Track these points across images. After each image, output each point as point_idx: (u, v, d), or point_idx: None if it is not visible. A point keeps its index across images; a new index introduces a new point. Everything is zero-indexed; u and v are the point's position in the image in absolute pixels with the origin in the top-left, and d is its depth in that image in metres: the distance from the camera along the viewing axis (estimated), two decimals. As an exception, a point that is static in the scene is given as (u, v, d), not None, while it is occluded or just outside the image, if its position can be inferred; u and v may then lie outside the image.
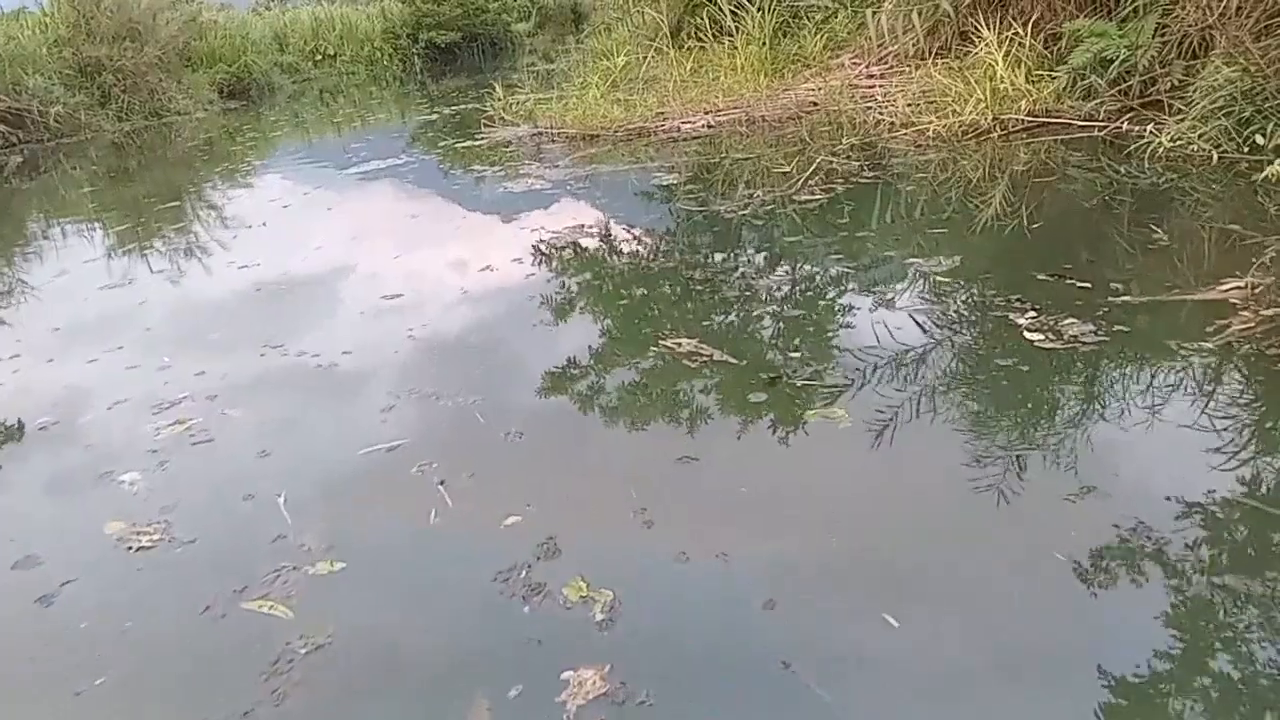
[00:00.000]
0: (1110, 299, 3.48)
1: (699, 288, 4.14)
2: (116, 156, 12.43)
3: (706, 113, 8.32)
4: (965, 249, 4.23)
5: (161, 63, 16.35)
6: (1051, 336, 3.24)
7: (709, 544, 2.28)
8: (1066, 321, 3.32)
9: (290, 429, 3.25)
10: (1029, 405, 2.89)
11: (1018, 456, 2.57)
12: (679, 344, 3.55)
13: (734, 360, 3.37)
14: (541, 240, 5.23)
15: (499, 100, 9.45)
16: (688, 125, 8.11)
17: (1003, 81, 6.44)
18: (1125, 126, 5.78)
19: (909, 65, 8.21)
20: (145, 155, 12.34)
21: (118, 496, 2.84)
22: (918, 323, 3.53)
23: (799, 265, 4.34)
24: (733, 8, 9.21)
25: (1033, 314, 3.42)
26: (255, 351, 3.94)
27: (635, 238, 5.20)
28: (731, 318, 3.83)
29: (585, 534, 2.39)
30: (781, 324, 3.69)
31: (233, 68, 17.80)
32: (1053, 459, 2.55)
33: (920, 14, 7.37)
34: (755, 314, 3.83)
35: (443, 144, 9.52)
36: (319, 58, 19.69)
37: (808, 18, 9.05)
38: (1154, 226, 4.22)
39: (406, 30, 20.49)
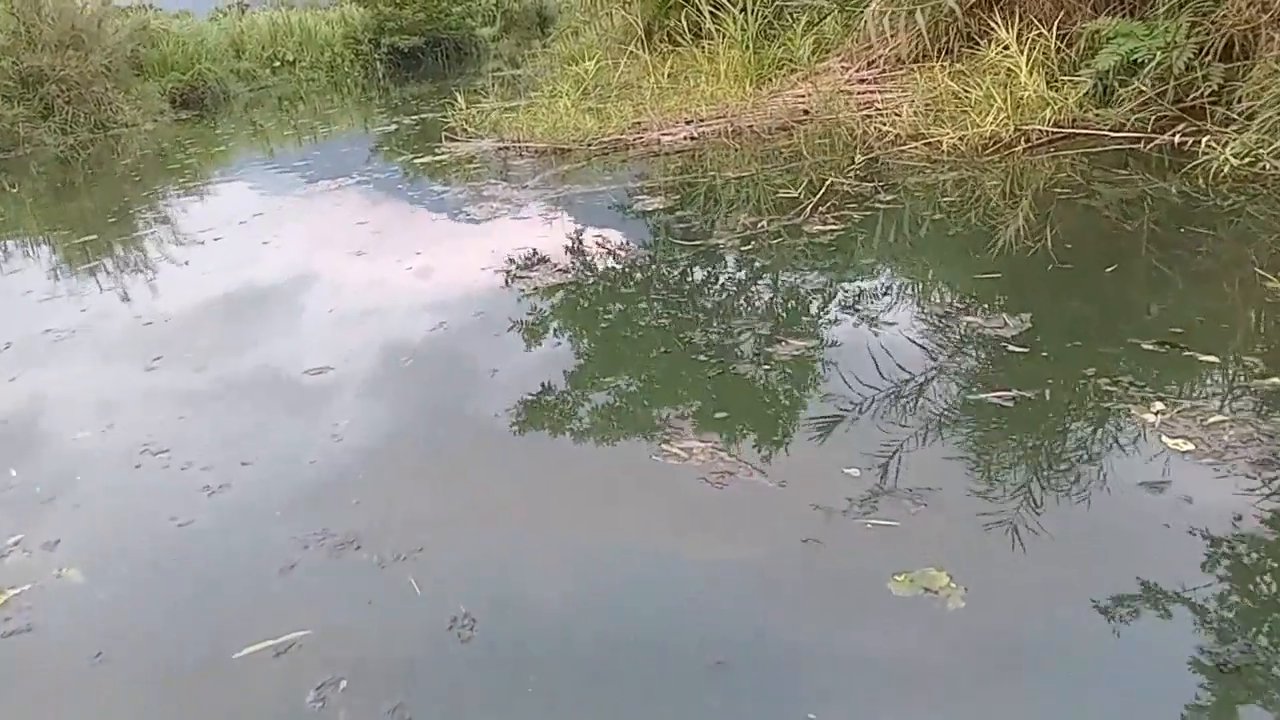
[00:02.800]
0: (1256, 381, 2.56)
1: (702, 357, 3.15)
2: (61, 171, 11.21)
3: (688, 122, 7.33)
4: (1030, 302, 3.28)
5: (109, 72, 15.03)
6: (1198, 440, 2.30)
7: None
8: (1213, 419, 2.39)
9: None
10: (1220, 568, 1.94)
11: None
12: (688, 450, 2.58)
13: (765, 478, 2.40)
14: (503, 295, 4.22)
15: (461, 112, 8.38)
16: (668, 137, 7.11)
17: (1025, 88, 5.51)
18: (1178, 139, 4.87)
19: (904, 69, 7.30)
20: (92, 170, 11.11)
21: None
22: (1007, 421, 2.58)
23: (827, 325, 3.37)
24: (711, 8, 8.22)
25: (1159, 406, 2.48)
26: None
27: (616, 286, 4.20)
28: (749, 405, 2.85)
29: None
30: (822, 416, 2.72)
31: (186, 76, 16.48)
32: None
33: (923, 13, 6.42)
34: (782, 400, 2.86)
35: (400, 159, 8.44)
36: (277, 64, 18.37)
37: (793, 19, 8.08)
38: (1264, 272, 3.29)
39: (368, 35, 19.21)
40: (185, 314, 4.36)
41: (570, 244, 4.82)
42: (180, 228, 6.46)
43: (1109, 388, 2.62)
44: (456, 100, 8.62)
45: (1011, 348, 2.93)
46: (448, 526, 2.38)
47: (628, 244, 4.70)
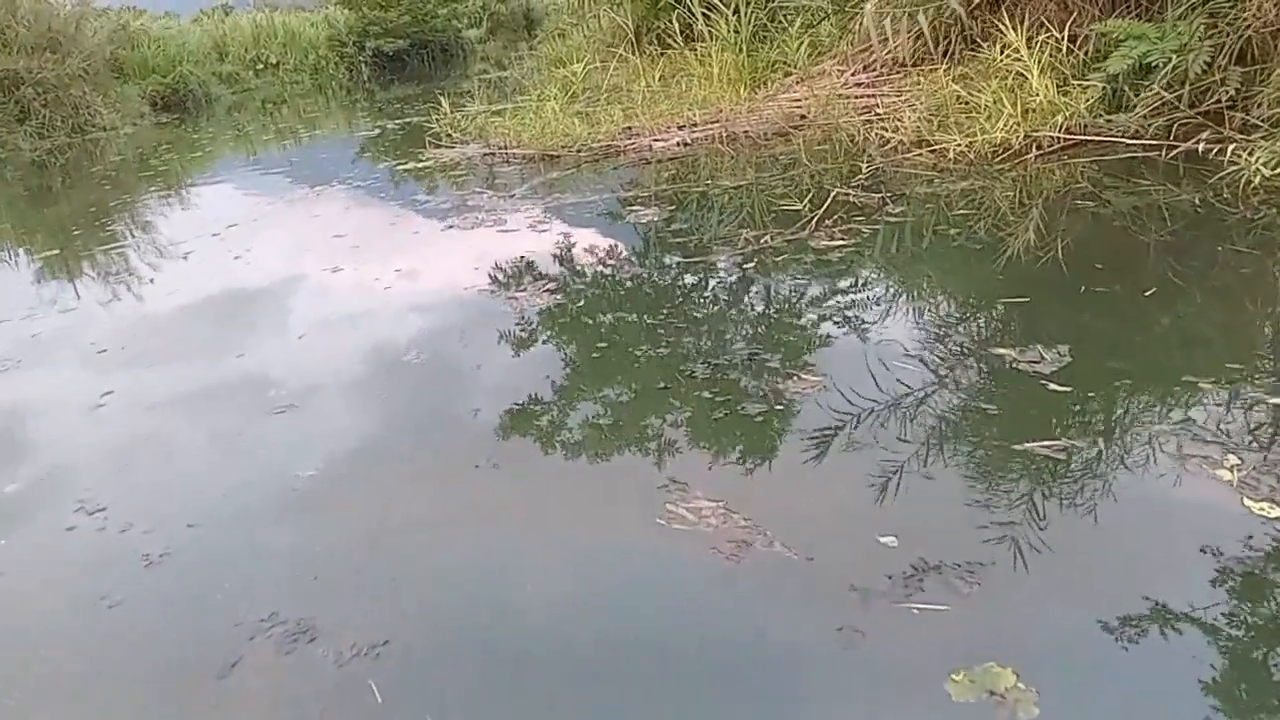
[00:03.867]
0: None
1: (706, 394, 2.80)
2: (38, 176, 10.76)
3: (680, 128, 6.98)
4: (1065, 331, 2.94)
5: (87, 74, 14.55)
6: (1285, 508, 1.97)
7: None
8: (1301, 480, 2.06)
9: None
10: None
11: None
12: (696, 511, 2.23)
13: (788, 549, 2.05)
14: (487, 319, 3.85)
15: (445, 117, 7.99)
16: (660, 143, 6.75)
17: (1036, 94, 5.18)
18: (1202, 147, 4.55)
19: (902, 72, 6.97)
20: (69, 175, 10.65)
21: None
22: (1062, 479, 2.24)
23: (842, 357, 3.02)
24: (704, 10, 7.86)
25: (1233, 460, 2.15)
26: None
27: (609, 310, 3.84)
28: (762, 453, 2.50)
29: None
30: (847, 469, 2.37)
31: (167, 79, 16.00)
32: None
33: (926, 14, 6.09)
34: (799, 447, 2.51)
35: (383, 164, 8.04)
36: (260, 67, 17.88)
37: (787, 20, 7.73)
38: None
39: (353, 38, 18.73)
40: (143, 341, 3.97)
41: (559, 260, 4.46)
42: (150, 241, 6.06)
43: (1170, 435, 2.29)
44: (441, 104, 8.24)
45: (1052, 386, 2.59)
46: (418, 619, 2.02)
47: (621, 261, 4.34)
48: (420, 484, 2.56)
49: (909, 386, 2.73)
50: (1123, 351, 2.81)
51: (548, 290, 3.95)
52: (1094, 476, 2.21)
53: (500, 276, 4.25)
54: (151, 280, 5.01)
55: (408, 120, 10.68)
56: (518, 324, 3.62)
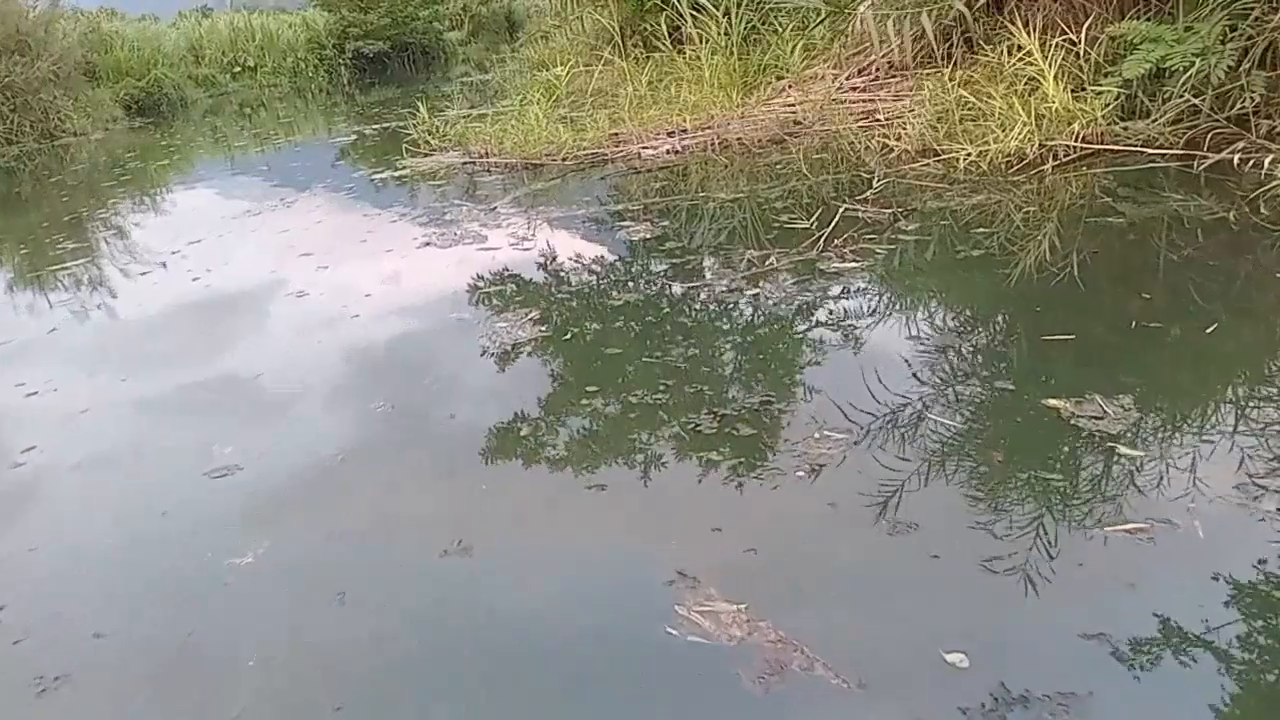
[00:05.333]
0: None
1: (715, 456, 2.37)
2: (7, 183, 10.19)
3: (670, 134, 6.54)
4: (1123, 377, 2.54)
5: (57, 78, 13.92)
6: None
7: None
8: None
9: None
10: None
11: None
12: (713, 616, 1.80)
13: (833, 672, 1.63)
14: (463, 355, 3.41)
15: (423, 123, 7.51)
16: (649, 151, 6.31)
17: (1051, 100, 4.79)
18: (1237, 158, 4.17)
19: (898, 76, 6.57)
20: (37, 183, 10.07)
21: None
22: (1158, 570, 1.82)
23: (873, 411, 2.59)
24: (693, 11, 7.42)
25: (1365, 554, 1.75)
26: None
27: (600, 345, 3.40)
28: (789, 535, 2.08)
29: None
30: (892, 558, 1.95)
31: (141, 82, 15.38)
32: None
33: (929, 15, 5.68)
34: (832, 528, 2.08)
35: (358, 174, 7.56)
36: (238, 69, 17.27)
37: (780, 23, 7.31)
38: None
39: (332, 40, 18.13)
40: (75, 387, 3.48)
41: (544, 285, 4.02)
42: (103, 262, 5.56)
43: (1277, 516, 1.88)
44: (419, 110, 7.76)
45: (1122, 449, 2.18)
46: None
47: (611, 285, 3.90)
48: (372, 588, 2.11)
49: (954, 449, 2.31)
50: (1193, 403, 2.41)
51: (531, 320, 3.51)
52: (1193, 567, 1.80)
53: (480, 304, 3.80)
54: (99, 307, 4.52)
55: (386, 125, 10.17)
56: (497, 363, 3.18)
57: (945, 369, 2.79)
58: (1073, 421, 2.33)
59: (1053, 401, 2.44)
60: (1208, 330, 2.74)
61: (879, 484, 2.17)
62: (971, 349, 2.96)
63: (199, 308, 4.31)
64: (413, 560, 2.13)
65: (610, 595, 1.97)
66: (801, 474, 2.25)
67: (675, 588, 1.89)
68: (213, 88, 16.87)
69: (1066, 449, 2.24)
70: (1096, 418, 2.32)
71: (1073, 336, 2.81)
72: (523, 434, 2.67)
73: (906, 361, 2.83)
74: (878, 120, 5.86)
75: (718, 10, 7.25)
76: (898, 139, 5.32)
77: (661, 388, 2.79)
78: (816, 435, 2.42)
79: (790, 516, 2.13)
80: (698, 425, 2.54)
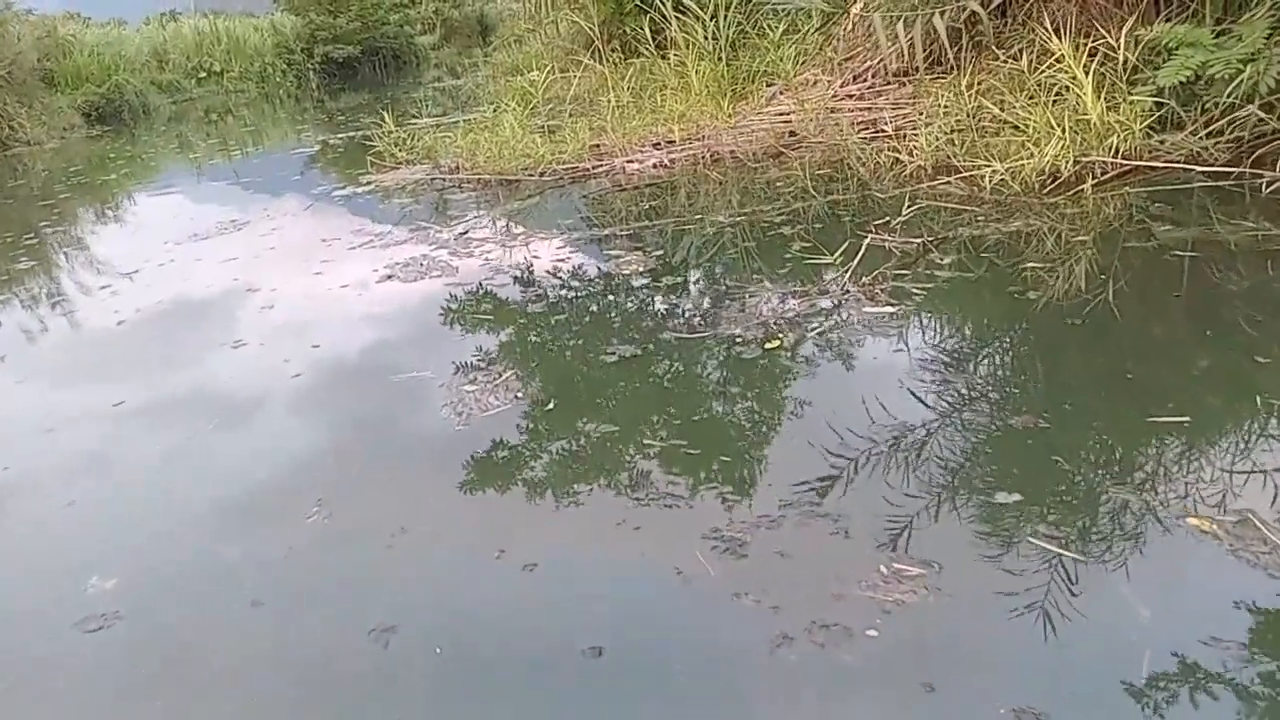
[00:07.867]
0: None
1: (746, 596, 1.72)
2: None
3: (656, 146, 5.87)
4: (1261, 475, 1.91)
5: (9, 84, 12.96)
6: None
7: None
8: None
9: None
10: None
11: None
12: None
13: None
14: (426, 439, 2.72)
15: (390, 134, 6.77)
16: (634, 165, 5.64)
17: (1089, 111, 4.17)
18: (1314, 179, 3.58)
19: (896, 82, 5.94)
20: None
21: None
22: None
23: (951, 532, 1.94)
24: (677, 13, 6.74)
25: None
26: None
27: (588, 415, 2.72)
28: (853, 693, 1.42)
29: None
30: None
31: (101, 88, 14.42)
32: None
33: (941, 16, 5.04)
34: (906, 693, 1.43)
35: (319, 189, 6.79)
36: (203, 75, 16.32)
37: (769, 26, 6.65)
38: None
39: (301, 44, 17.21)
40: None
41: (521, 335, 3.34)
42: (25, 294, 4.79)
43: None
44: (385, 121, 7.02)
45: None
46: None
47: (601, 340, 3.22)
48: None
49: (1066, 584, 1.67)
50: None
51: (504, 385, 2.82)
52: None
53: (446, 356, 3.11)
54: (3, 358, 3.77)
55: (353, 135, 9.39)
56: (464, 445, 2.49)
57: (1019, 450, 2.13)
58: (1207, 538, 1.69)
59: (1194, 521, 1.80)
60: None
61: (956, 639, 1.52)
62: (1051, 424, 2.26)
63: (108, 363, 3.57)
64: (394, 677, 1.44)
65: None
66: (875, 629, 1.60)
67: None
68: (177, 93, 15.93)
69: (1229, 597, 1.60)
70: (1254, 546, 1.69)
71: (1188, 419, 2.18)
72: (497, 548, 1.98)
73: (963, 442, 2.18)
74: (883, 131, 5.23)
75: (704, 13, 6.57)
76: (909, 153, 4.68)
77: (667, 501, 2.12)
78: (895, 560, 1.76)
79: (857, 664, 1.47)
80: (719, 529, 1.87)
